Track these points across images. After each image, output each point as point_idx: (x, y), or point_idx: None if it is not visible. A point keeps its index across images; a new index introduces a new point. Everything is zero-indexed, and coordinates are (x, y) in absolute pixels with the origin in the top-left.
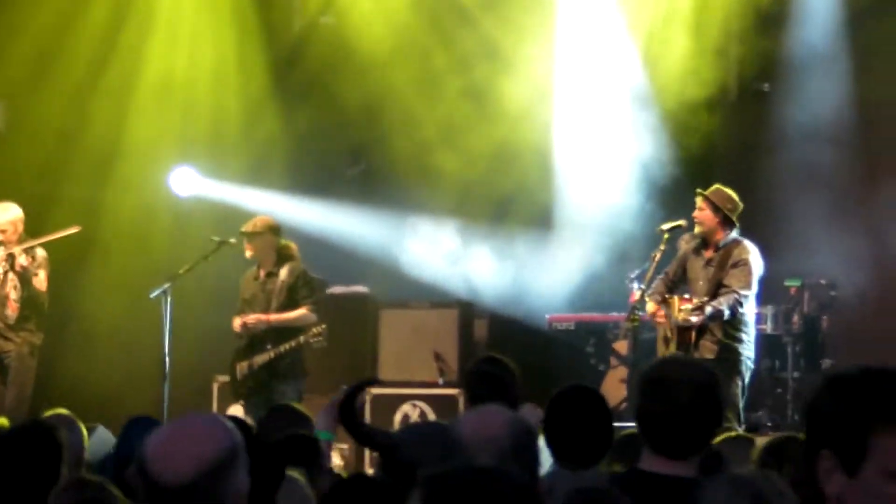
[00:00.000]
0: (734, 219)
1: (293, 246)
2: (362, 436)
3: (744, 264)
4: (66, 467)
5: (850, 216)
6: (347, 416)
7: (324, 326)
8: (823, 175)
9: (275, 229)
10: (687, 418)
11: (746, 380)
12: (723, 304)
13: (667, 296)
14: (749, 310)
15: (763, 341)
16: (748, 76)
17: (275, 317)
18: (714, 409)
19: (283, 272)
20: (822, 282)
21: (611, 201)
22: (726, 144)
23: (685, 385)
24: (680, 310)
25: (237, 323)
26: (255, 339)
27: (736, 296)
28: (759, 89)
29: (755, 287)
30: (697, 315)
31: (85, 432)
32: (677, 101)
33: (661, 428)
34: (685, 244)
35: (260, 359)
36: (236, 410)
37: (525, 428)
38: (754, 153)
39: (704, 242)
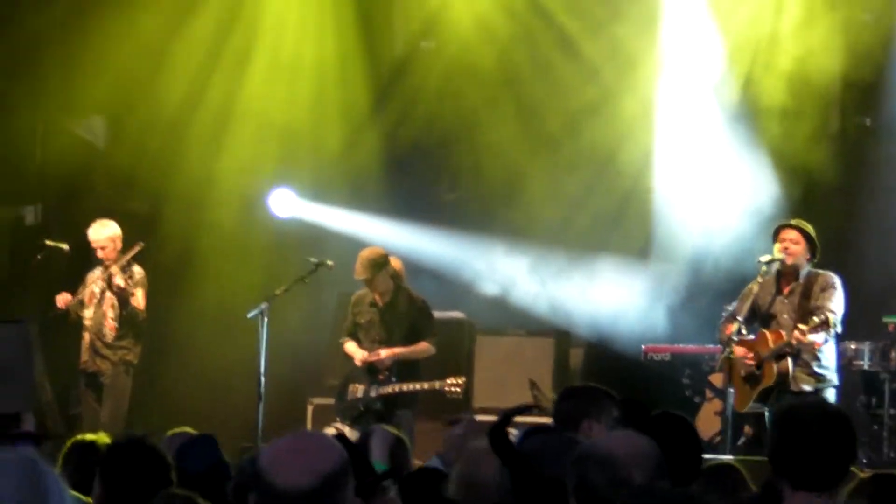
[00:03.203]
0: (818, 254)
1: (401, 266)
2: (513, 460)
3: (833, 288)
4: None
5: None
6: (500, 441)
7: (463, 379)
8: None
9: (381, 263)
10: (825, 453)
11: None
12: (832, 320)
13: (743, 333)
14: (832, 343)
15: (860, 377)
16: (850, 110)
17: (402, 351)
18: (849, 443)
19: (403, 302)
20: None
21: (709, 231)
22: (828, 180)
23: (820, 419)
24: (797, 328)
25: (361, 356)
26: (376, 367)
27: (834, 315)
28: (861, 124)
29: (843, 312)
30: (820, 330)
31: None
32: (780, 134)
33: (800, 463)
34: (755, 284)
35: (386, 390)
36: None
37: (657, 447)
38: (855, 190)
39: (779, 278)
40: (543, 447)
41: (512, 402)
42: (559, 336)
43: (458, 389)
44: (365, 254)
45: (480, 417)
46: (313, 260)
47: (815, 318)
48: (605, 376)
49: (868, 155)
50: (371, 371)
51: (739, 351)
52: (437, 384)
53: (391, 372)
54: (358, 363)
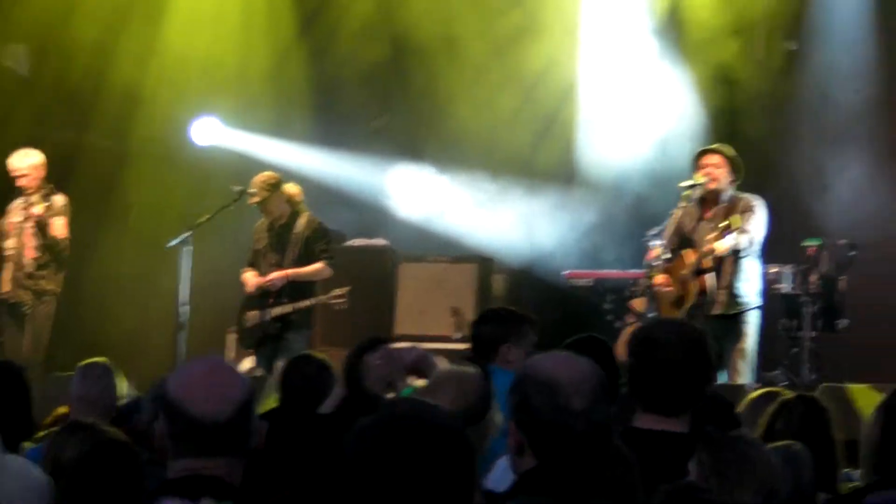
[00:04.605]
0: (741, 175)
1: (298, 190)
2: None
3: (752, 211)
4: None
5: (877, 177)
6: (352, 376)
7: (347, 289)
8: (848, 134)
9: (273, 184)
10: (677, 376)
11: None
12: (741, 234)
13: (669, 256)
14: (755, 264)
15: (780, 301)
16: (776, 34)
17: (293, 272)
18: (703, 366)
19: (300, 224)
20: (842, 242)
21: (633, 156)
22: (753, 103)
23: (675, 343)
24: (705, 242)
25: (253, 282)
26: (269, 291)
27: (750, 236)
28: (787, 48)
29: (763, 234)
30: (727, 233)
31: (121, 382)
32: (703, 59)
33: (651, 386)
34: (679, 210)
35: (276, 311)
36: (248, 362)
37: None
38: (780, 113)
39: (701, 203)
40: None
41: (434, 329)
42: (482, 262)
43: (343, 300)
44: (257, 177)
45: (402, 345)
46: (237, 188)
47: (721, 225)
48: (527, 302)
49: (793, 78)
50: (264, 295)
51: (659, 279)
52: (322, 298)
53: (282, 294)
54: (250, 289)
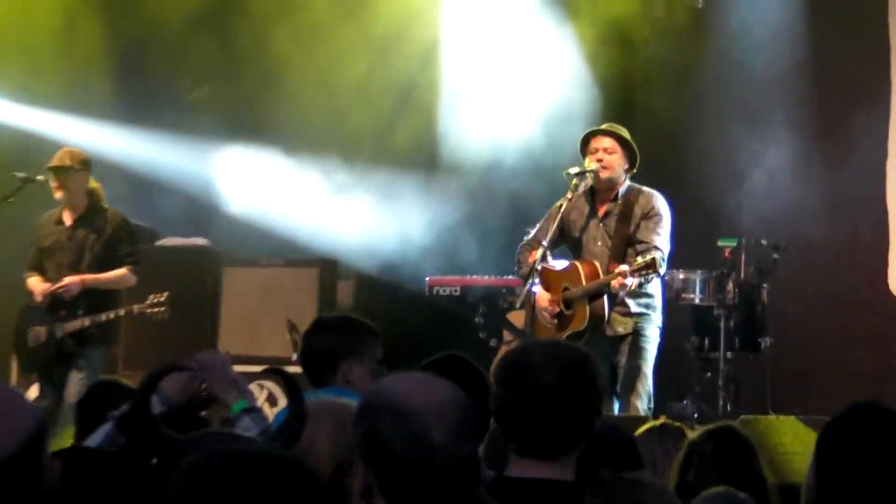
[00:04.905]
0: (637, 164)
1: (100, 187)
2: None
3: (657, 215)
4: None
5: (802, 163)
6: (141, 415)
7: (166, 295)
8: (767, 110)
9: (88, 164)
10: (554, 409)
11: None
12: (659, 260)
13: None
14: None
15: (690, 314)
16: None
17: (91, 278)
18: (587, 395)
19: (99, 220)
20: (764, 242)
21: (507, 137)
22: (650, 69)
23: (550, 368)
24: (619, 271)
25: (40, 288)
26: (61, 300)
27: (661, 253)
28: (692, 4)
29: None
30: (648, 273)
31: None
32: (592, 17)
33: (523, 423)
34: (563, 201)
35: (70, 326)
36: (33, 390)
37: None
38: (683, 81)
39: (592, 196)
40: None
41: (266, 348)
42: (325, 266)
43: (162, 309)
44: (63, 150)
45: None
46: (20, 175)
47: (640, 259)
48: (381, 315)
49: (700, 41)
50: (53, 306)
51: (543, 300)
52: (135, 308)
53: (77, 304)
54: (38, 299)
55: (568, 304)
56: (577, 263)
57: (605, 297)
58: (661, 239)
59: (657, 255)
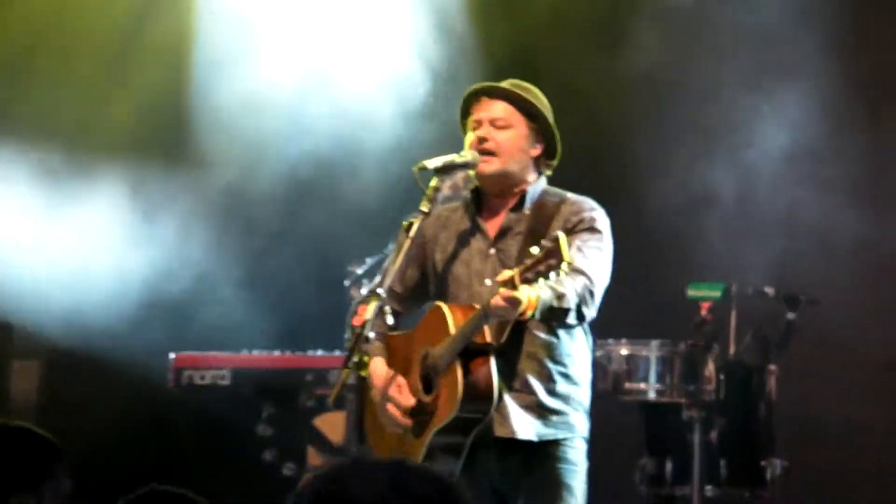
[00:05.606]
0: (557, 150)
1: None
2: None
3: (589, 230)
4: None
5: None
6: None
7: None
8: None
9: None
10: None
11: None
12: (568, 288)
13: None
14: (583, 340)
15: (640, 415)
16: None
17: None
18: None
19: None
20: (769, 291)
21: (316, 118)
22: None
23: None
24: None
25: None
26: None
27: (587, 282)
28: None
29: (608, 279)
30: (545, 268)
31: None
32: None
33: None
34: (415, 218)
35: None
36: None
37: None
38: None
39: (477, 201)
40: None
41: None
42: None
43: None
44: None
45: None
46: None
47: (535, 251)
48: (85, 420)
49: None
50: None
51: (384, 386)
52: None
53: None
54: None
55: (428, 383)
56: (441, 305)
57: (491, 355)
58: (593, 263)
59: (577, 266)
